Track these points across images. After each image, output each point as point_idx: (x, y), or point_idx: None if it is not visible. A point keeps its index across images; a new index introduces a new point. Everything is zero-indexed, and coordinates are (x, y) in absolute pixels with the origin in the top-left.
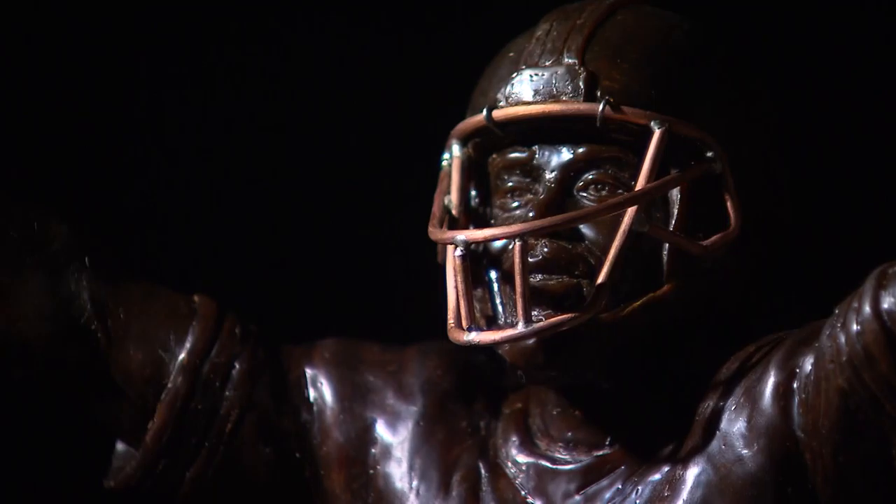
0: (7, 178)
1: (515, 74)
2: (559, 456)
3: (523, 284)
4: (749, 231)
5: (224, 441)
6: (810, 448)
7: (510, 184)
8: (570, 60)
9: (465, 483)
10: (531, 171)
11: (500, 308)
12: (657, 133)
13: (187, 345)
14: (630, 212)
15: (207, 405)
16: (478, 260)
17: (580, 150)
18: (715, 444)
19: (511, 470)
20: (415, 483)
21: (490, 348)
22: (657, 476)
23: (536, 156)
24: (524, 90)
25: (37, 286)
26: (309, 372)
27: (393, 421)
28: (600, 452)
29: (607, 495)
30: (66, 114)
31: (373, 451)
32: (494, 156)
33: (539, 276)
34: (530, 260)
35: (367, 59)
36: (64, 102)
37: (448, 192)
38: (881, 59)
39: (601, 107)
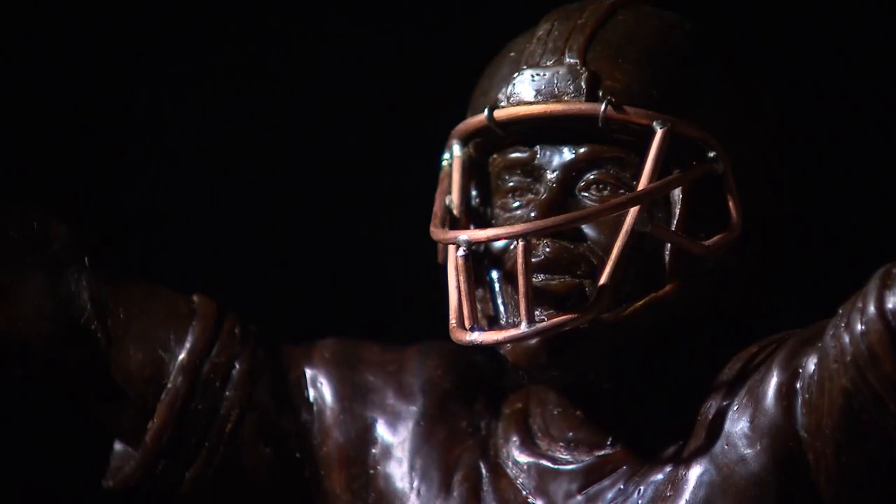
0: (7, 178)
1: (517, 74)
2: (560, 456)
3: (526, 284)
4: (749, 231)
5: (224, 441)
6: (813, 448)
7: (511, 184)
8: (571, 60)
9: (466, 483)
10: (532, 171)
11: (501, 308)
12: (659, 133)
13: (187, 345)
14: (632, 212)
15: (207, 405)
16: (479, 260)
17: (581, 149)
18: (718, 444)
19: (512, 470)
20: (416, 483)
21: (491, 348)
22: (659, 476)
23: (538, 156)
24: (526, 90)
25: (37, 286)
26: (309, 372)
27: (393, 421)
28: (602, 452)
29: (609, 495)
30: (66, 114)
31: (373, 451)
32: (495, 156)
33: (541, 276)
34: (532, 260)
35: (367, 59)
36: (64, 102)
37: (449, 192)
38: (881, 59)
39: (603, 107)
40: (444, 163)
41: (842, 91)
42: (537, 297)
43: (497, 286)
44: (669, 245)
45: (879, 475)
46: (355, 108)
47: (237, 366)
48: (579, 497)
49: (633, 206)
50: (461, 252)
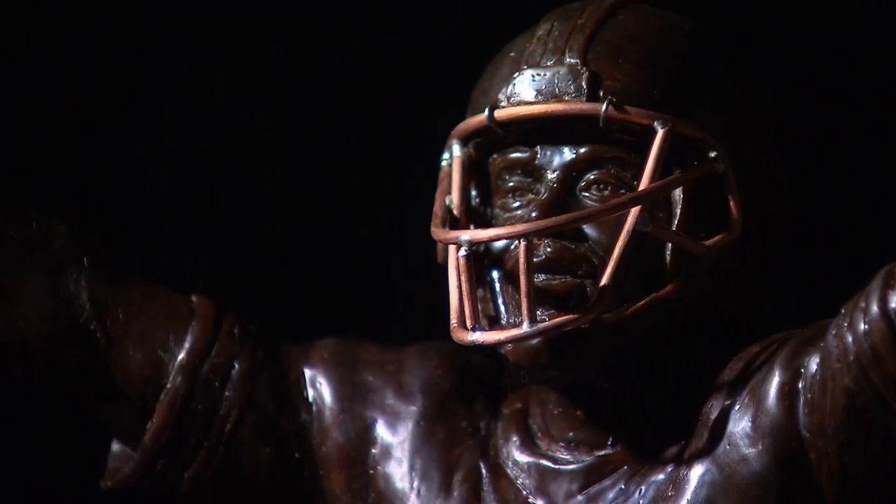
0: (7, 178)
1: (517, 74)
2: (560, 456)
3: (528, 284)
4: (749, 231)
5: (223, 441)
6: (816, 448)
7: (511, 184)
8: (572, 60)
9: (467, 483)
10: (533, 171)
11: (502, 308)
12: (660, 133)
13: (186, 345)
14: (634, 212)
15: (207, 405)
16: (478, 260)
17: (582, 149)
18: (719, 444)
19: (512, 470)
20: (416, 483)
21: (492, 348)
22: (661, 476)
23: (538, 156)
24: (526, 90)
25: (36, 286)
26: (308, 372)
27: (393, 421)
28: (602, 452)
29: (610, 495)
30: (66, 114)
31: (373, 451)
32: (495, 156)
33: (542, 276)
34: (534, 260)
35: (367, 59)
36: (64, 102)
37: (449, 192)
38: (881, 59)
39: (604, 107)
40: (444, 163)
41: (842, 91)
42: (539, 297)
43: (497, 286)
44: (670, 245)
45: (882, 475)
46: (355, 108)
47: (237, 366)
48: (580, 497)
49: (634, 206)
50: (463, 252)
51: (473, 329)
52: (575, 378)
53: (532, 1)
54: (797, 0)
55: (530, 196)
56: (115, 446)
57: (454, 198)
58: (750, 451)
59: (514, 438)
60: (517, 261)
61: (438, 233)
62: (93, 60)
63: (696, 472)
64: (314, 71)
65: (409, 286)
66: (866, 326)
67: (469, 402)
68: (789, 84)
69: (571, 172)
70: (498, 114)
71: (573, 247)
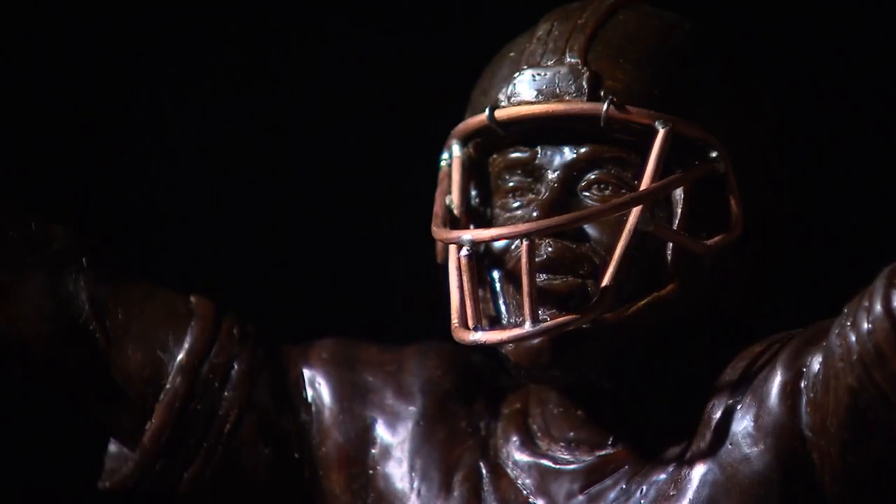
0: (7, 178)
1: (517, 74)
2: (561, 456)
3: (530, 284)
4: (749, 231)
5: (223, 441)
6: (818, 447)
7: (511, 184)
8: (572, 60)
9: (467, 483)
10: (533, 170)
11: (503, 308)
12: (662, 133)
13: (186, 345)
14: (635, 211)
15: (206, 405)
16: (478, 260)
17: (583, 149)
18: (721, 444)
19: (512, 470)
20: (416, 483)
21: (492, 348)
22: (662, 476)
23: (538, 156)
24: (527, 90)
25: (36, 286)
26: (307, 372)
27: (393, 421)
28: (603, 452)
29: (611, 495)
30: (66, 114)
31: (373, 451)
32: (495, 156)
33: (543, 276)
34: (535, 260)
35: (367, 59)
36: (64, 102)
37: (449, 192)
38: (881, 59)
39: (605, 106)
40: (443, 163)
41: (842, 91)
42: (540, 297)
43: (498, 286)
44: (671, 245)
45: (884, 474)
46: (355, 108)
47: (236, 366)
48: (581, 497)
49: (635, 206)
50: (465, 252)
51: (475, 329)
52: (576, 378)
53: (532, 1)
54: (797, 0)
55: (530, 196)
56: (113, 447)
57: (454, 198)
58: (752, 451)
59: (514, 438)
60: (518, 261)
61: (440, 233)
62: (93, 60)
63: (698, 471)
64: (314, 71)
65: (409, 286)
66: (870, 325)
67: (469, 402)
68: (789, 84)
69: (572, 172)
70: (498, 114)
71: (574, 246)
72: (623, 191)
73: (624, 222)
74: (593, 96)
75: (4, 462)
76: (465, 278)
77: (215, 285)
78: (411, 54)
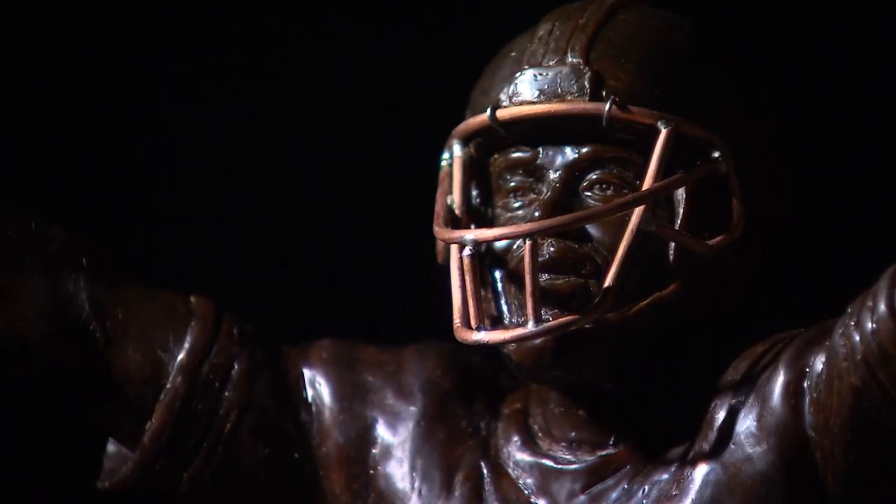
0: (7, 178)
1: (518, 74)
2: (562, 456)
3: (534, 284)
4: (749, 231)
5: (223, 441)
6: (821, 447)
7: (513, 184)
8: (574, 60)
9: (468, 483)
10: (534, 170)
11: (504, 308)
12: (664, 132)
13: (186, 345)
14: (637, 211)
15: (206, 405)
16: (480, 260)
17: (584, 149)
18: (724, 444)
19: (514, 470)
20: (417, 483)
21: (492, 348)
22: (664, 476)
23: (540, 155)
24: (528, 90)
25: (36, 286)
26: (307, 372)
27: (393, 421)
28: (604, 452)
29: (613, 495)
30: (67, 114)
31: (373, 451)
32: (496, 156)
33: (546, 276)
34: (538, 259)
35: (367, 59)
36: (64, 102)
37: (450, 192)
38: (881, 59)
39: (607, 106)
40: (444, 163)
41: (842, 91)
42: (542, 297)
43: (500, 286)
44: (673, 245)
45: (887, 474)
46: (355, 108)
47: (236, 366)
48: (582, 497)
49: (638, 206)
50: (467, 251)
51: (478, 329)
52: (578, 378)
53: (532, 1)
54: (797, 0)
55: (532, 196)
56: (111, 447)
57: (455, 198)
58: (755, 451)
59: (515, 438)
60: (521, 260)
61: (442, 232)
62: (93, 60)
63: (701, 471)
64: (314, 71)
65: (409, 286)
66: (874, 325)
67: (469, 402)
68: (789, 84)
69: (574, 172)
70: (500, 114)
71: (577, 246)
72: (625, 191)
73: (626, 222)
74: (595, 96)
75: (4, 462)
76: (467, 278)
77: (215, 285)
78: (411, 54)
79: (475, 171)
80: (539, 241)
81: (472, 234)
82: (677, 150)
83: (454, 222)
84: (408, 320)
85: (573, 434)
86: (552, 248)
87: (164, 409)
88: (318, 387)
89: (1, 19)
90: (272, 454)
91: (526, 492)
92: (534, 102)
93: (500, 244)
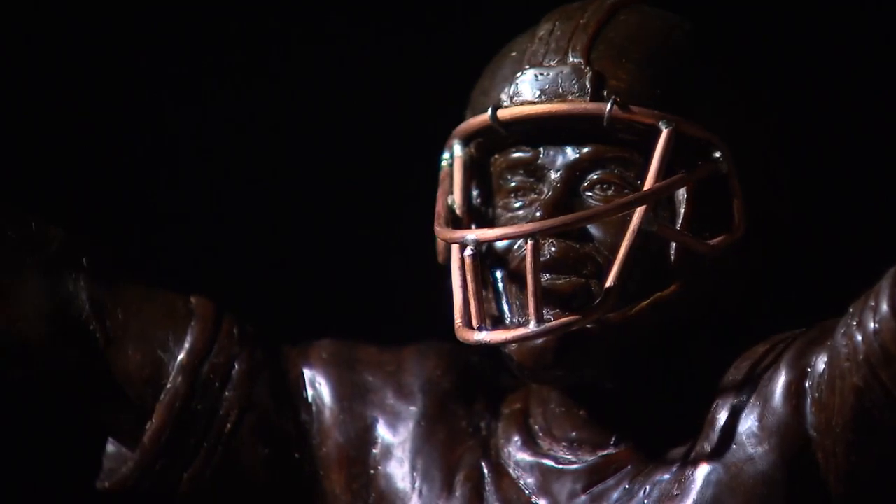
0: (7, 178)
1: (519, 74)
2: (563, 456)
3: (535, 284)
4: (749, 231)
5: (223, 441)
6: (823, 447)
7: (513, 184)
8: (575, 60)
9: (469, 483)
10: (535, 170)
11: (505, 308)
12: (665, 132)
13: (186, 345)
14: (639, 211)
15: (207, 405)
16: (481, 259)
17: (585, 149)
18: (726, 444)
19: (514, 470)
20: (418, 483)
21: (493, 348)
22: (666, 476)
23: (541, 156)
24: (529, 90)
25: (36, 286)
26: (307, 372)
27: (393, 421)
28: (605, 452)
29: (615, 495)
30: (67, 113)
31: (374, 451)
32: (497, 156)
33: (547, 276)
34: (540, 259)
35: (367, 59)
36: (64, 102)
37: (451, 192)
38: (881, 59)
39: (609, 106)
40: (444, 163)
41: (842, 91)
42: (544, 297)
43: (501, 286)
44: (674, 245)
45: (889, 474)
46: (355, 108)
47: (236, 366)
48: (583, 497)
49: (640, 206)
50: (469, 251)
51: (479, 329)
52: (579, 378)
53: (532, 1)
54: (797, 0)
55: (533, 196)
56: (110, 447)
57: (456, 198)
58: (756, 451)
59: (516, 438)
60: (522, 260)
61: (444, 232)
62: (93, 60)
63: (702, 471)
64: (314, 71)
65: (409, 286)
66: (876, 325)
67: (469, 402)
68: (789, 84)
69: (575, 172)
70: (501, 113)
71: (578, 246)
72: (626, 191)
73: (627, 222)
74: (597, 96)
75: (4, 462)
76: (469, 278)
77: (215, 285)
78: (411, 54)
79: (476, 170)
80: (540, 241)
81: (473, 234)
82: (678, 150)
83: (455, 222)
84: (408, 320)
85: (574, 434)
86: (553, 248)
87: (165, 409)
88: (319, 387)
89: (1, 19)
90: (272, 454)
91: (527, 492)
92: (535, 102)
93: (501, 244)
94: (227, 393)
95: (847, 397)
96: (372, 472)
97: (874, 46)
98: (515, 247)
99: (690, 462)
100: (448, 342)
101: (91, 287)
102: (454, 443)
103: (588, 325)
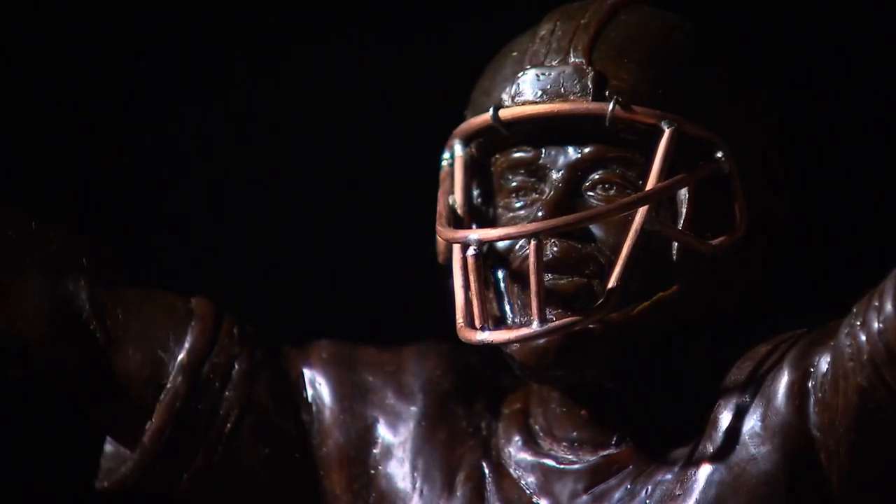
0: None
1: (521, 74)
2: (564, 456)
3: (538, 284)
4: (750, 231)
5: (223, 441)
6: (826, 447)
7: (514, 183)
8: (576, 60)
9: (470, 483)
10: (537, 170)
11: (507, 308)
12: (667, 132)
13: (186, 345)
14: (641, 211)
15: (207, 406)
16: (482, 259)
17: (587, 149)
18: (728, 444)
19: (515, 470)
20: (418, 483)
21: (494, 348)
22: (668, 476)
23: (542, 155)
24: (531, 89)
25: (36, 286)
26: (307, 372)
27: (394, 421)
28: (606, 452)
29: (616, 495)
30: (67, 113)
31: (374, 451)
32: (498, 156)
33: (549, 276)
34: (542, 259)
35: (368, 59)
36: (65, 102)
37: (452, 192)
38: (881, 59)
39: (611, 106)
40: (445, 163)
41: (842, 91)
42: (546, 297)
43: (502, 286)
44: (675, 245)
45: (892, 474)
46: (355, 108)
47: (236, 366)
48: (585, 497)
49: (642, 206)
50: (472, 251)
51: (482, 328)
52: (580, 378)
53: (532, 1)
54: (797, 0)
55: (534, 196)
56: (109, 447)
57: (457, 198)
58: (759, 451)
59: (516, 438)
60: (524, 260)
61: (445, 232)
62: (94, 60)
63: (705, 471)
64: (314, 71)
65: (409, 286)
66: (880, 325)
67: (469, 402)
68: (789, 84)
69: (576, 172)
70: (503, 113)
71: (580, 246)
72: (628, 191)
73: (630, 222)
74: (598, 96)
75: (4, 462)
76: (471, 278)
77: (215, 285)
78: (411, 54)
79: (476, 170)
80: (543, 240)
81: (476, 233)
82: (679, 150)
83: (456, 222)
84: (408, 320)
85: (575, 434)
86: (555, 248)
87: (165, 409)
88: (319, 387)
89: (1, 19)
90: (272, 454)
91: (528, 492)
92: (536, 102)
93: (502, 244)
94: (227, 393)
95: (851, 397)
96: (372, 472)
97: (874, 46)
98: (517, 247)
99: (693, 462)
100: (448, 342)
101: (91, 287)
102: (455, 443)
103: (590, 325)
